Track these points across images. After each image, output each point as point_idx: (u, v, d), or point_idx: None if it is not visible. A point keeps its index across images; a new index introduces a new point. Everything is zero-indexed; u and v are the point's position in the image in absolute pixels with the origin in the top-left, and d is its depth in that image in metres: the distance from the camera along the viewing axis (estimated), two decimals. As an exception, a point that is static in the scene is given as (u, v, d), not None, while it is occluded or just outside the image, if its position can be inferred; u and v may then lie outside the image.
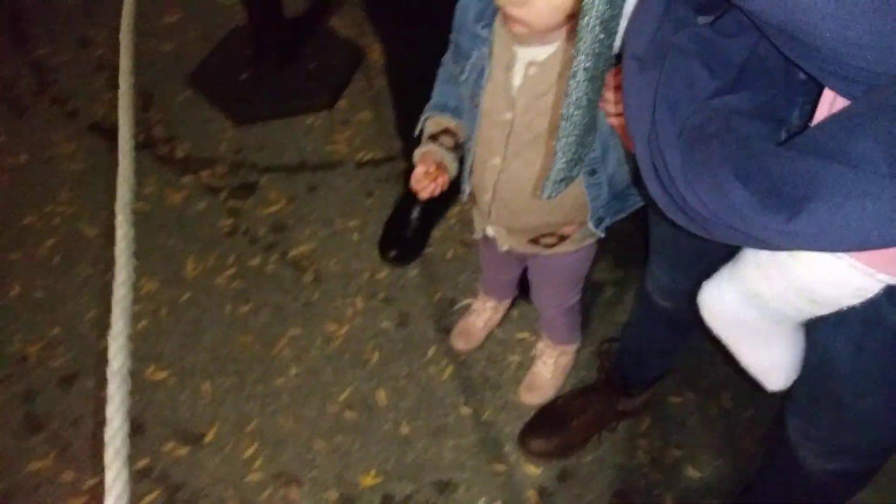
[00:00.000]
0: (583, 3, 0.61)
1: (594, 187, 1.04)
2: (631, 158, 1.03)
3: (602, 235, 1.13)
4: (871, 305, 0.65)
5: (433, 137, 1.09)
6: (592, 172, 1.02)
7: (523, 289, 1.52)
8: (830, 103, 0.51)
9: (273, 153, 1.96)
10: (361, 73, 2.11)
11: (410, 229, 1.73)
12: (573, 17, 0.86)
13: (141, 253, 1.79)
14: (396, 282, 1.70)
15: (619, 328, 1.53)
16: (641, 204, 1.09)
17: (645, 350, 1.35)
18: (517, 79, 0.97)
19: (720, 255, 0.77)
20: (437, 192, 1.07)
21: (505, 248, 1.19)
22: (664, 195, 0.56)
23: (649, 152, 0.55)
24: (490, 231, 1.18)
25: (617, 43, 0.71)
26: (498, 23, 0.96)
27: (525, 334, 1.59)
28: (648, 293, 1.17)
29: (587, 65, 0.66)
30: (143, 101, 2.09)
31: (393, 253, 1.71)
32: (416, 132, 1.12)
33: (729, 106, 0.53)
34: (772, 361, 0.77)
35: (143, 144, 1.99)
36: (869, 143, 0.45)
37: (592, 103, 0.73)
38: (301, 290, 1.70)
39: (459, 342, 1.56)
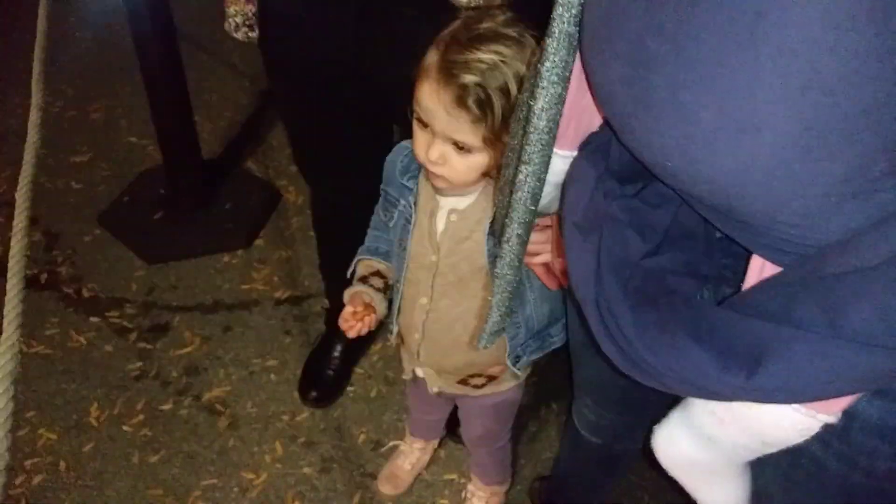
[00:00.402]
0: (516, 180, 0.68)
1: (512, 327, 1.08)
2: (549, 299, 1.08)
3: (520, 374, 1.17)
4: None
5: (363, 279, 1.12)
6: (510, 312, 1.06)
7: (451, 428, 1.50)
8: (760, 268, 0.55)
9: (187, 292, 1.91)
10: (278, 213, 2.13)
11: (332, 368, 1.69)
12: (488, 175, 0.94)
13: (40, 401, 1.67)
14: (318, 424, 1.64)
15: (545, 463, 1.52)
16: (560, 344, 1.13)
17: (576, 487, 1.35)
18: (440, 225, 1.03)
19: (647, 392, 0.80)
20: (365, 331, 1.09)
21: (435, 389, 1.19)
22: (619, 354, 0.59)
23: (599, 314, 0.59)
24: (419, 372, 1.19)
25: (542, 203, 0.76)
26: (422, 176, 1.03)
27: (453, 475, 1.55)
28: (577, 431, 1.18)
29: (519, 231, 0.73)
30: (49, 239, 2.02)
31: (313, 394, 1.67)
32: (348, 274, 1.15)
33: (659, 266, 0.57)
34: (728, 498, 0.78)
35: (47, 284, 1.90)
36: (808, 308, 0.48)
37: (521, 262, 0.79)
38: (216, 436, 1.62)
39: (386, 487, 1.51)
